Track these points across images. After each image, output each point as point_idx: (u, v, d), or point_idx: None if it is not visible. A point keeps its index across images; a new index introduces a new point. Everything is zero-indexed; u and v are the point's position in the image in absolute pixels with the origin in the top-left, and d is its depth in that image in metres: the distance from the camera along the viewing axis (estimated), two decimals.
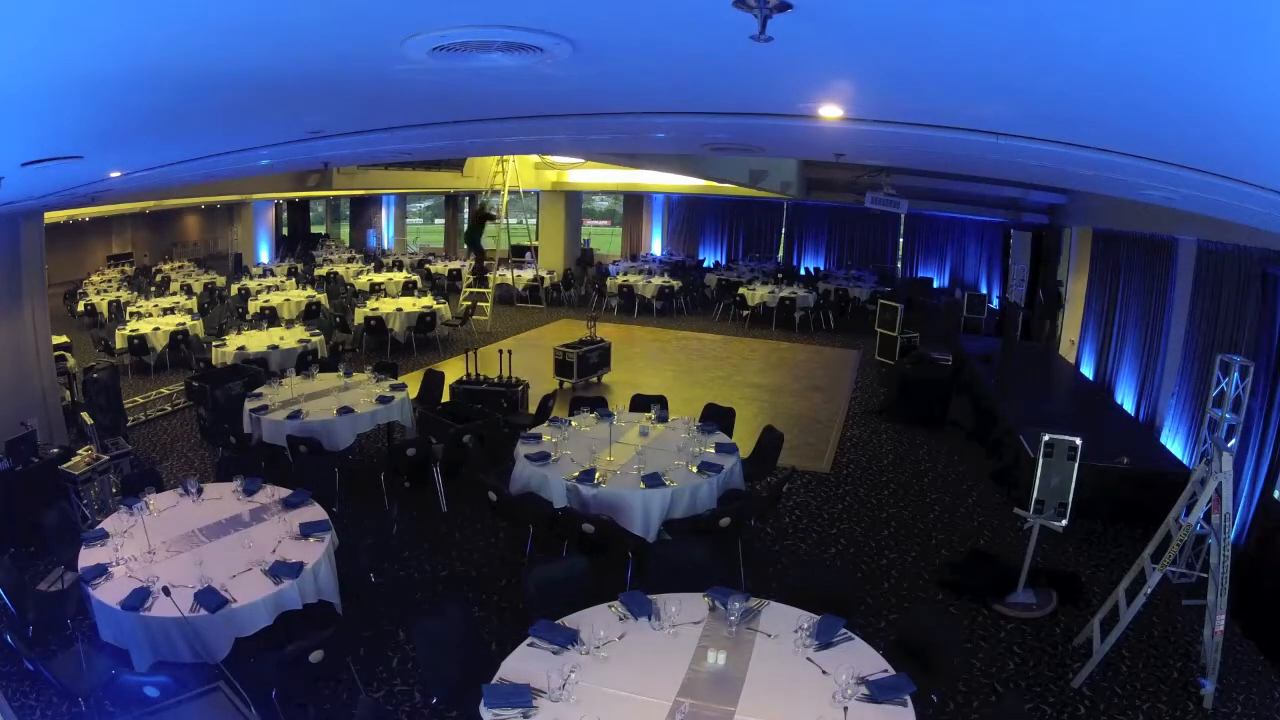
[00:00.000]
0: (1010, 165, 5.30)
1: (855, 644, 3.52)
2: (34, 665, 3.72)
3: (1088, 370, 9.94)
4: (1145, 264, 8.40)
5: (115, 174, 5.36)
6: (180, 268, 19.02)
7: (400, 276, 17.39)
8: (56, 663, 3.91)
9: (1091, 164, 3.63)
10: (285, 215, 24.43)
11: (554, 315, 15.81)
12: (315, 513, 4.80)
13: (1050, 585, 5.43)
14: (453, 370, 9.60)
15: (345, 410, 6.83)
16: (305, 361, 9.41)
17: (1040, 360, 10.90)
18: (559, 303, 17.16)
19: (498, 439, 6.97)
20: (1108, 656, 4.75)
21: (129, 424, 8.42)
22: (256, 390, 7.46)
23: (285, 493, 5.01)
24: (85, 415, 7.67)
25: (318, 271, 18.38)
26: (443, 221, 26.99)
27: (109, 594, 3.85)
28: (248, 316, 13.51)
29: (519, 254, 18.53)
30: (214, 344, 10.31)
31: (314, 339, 10.52)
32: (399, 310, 12.62)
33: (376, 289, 16.38)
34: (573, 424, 6.45)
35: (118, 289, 15.73)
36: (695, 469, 5.52)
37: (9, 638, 3.74)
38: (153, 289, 16.25)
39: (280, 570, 4.07)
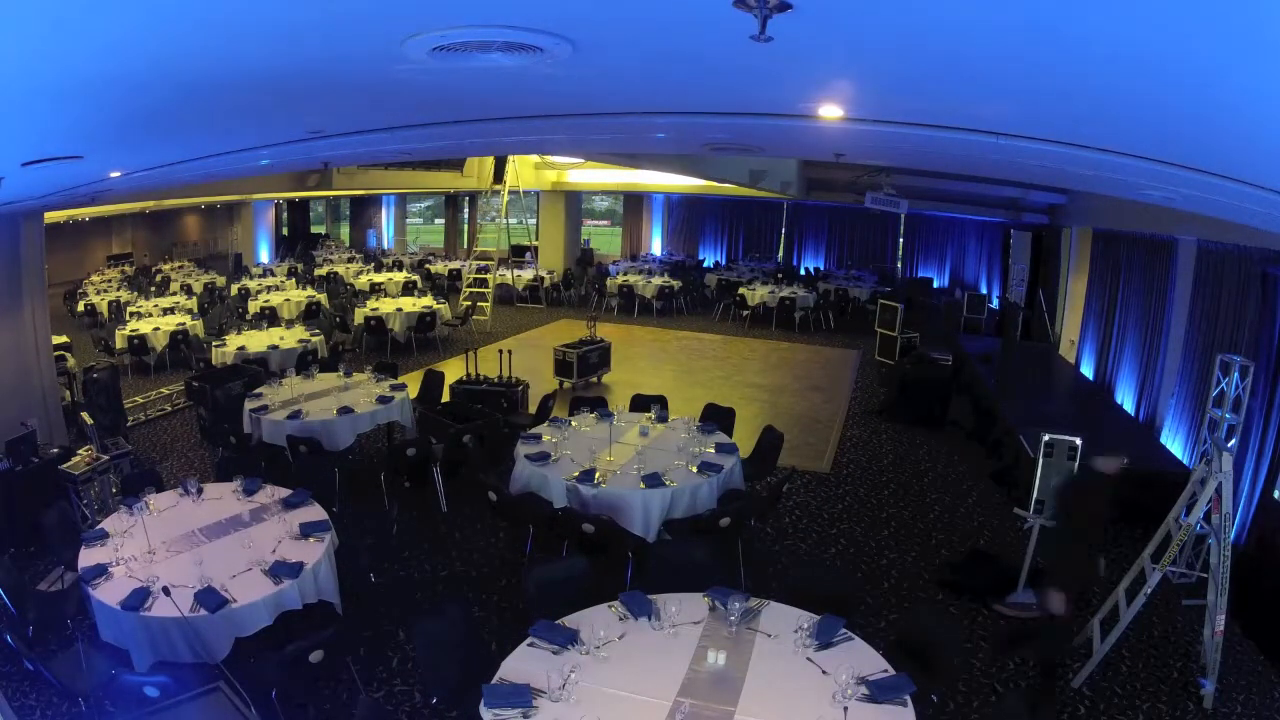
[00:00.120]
0: (1010, 165, 5.30)
1: (855, 644, 3.52)
2: (34, 665, 3.72)
3: (1088, 370, 9.94)
4: (1145, 264, 8.40)
5: (115, 174, 5.36)
6: (180, 268, 19.02)
7: (400, 276, 17.39)
8: (56, 663, 3.91)
9: (1091, 164, 3.63)
10: (285, 215, 24.43)
11: (554, 315, 15.81)
12: (315, 513, 4.80)
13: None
14: (453, 370, 9.60)
15: (345, 410, 6.83)
16: (305, 361, 9.41)
17: (1040, 360, 10.90)
18: (559, 303, 17.17)
19: (498, 439, 6.97)
20: (1108, 656, 4.76)
21: (129, 424, 8.42)
22: (256, 390, 7.46)
23: (285, 493, 5.01)
24: (85, 415, 7.67)
25: (318, 271, 18.38)
26: (443, 221, 26.99)
27: (109, 594, 3.85)
28: (248, 316, 13.50)
29: (519, 254, 18.54)
30: (214, 344, 10.31)
31: (314, 339, 10.52)
32: (399, 310, 12.62)
33: (376, 289, 16.39)
34: (573, 424, 6.45)
35: (118, 289, 15.73)
36: (695, 469, 5.52)
37: (9, 638, 3.74)
38: (153, 289, 16.25)
39: (280, 570, 4.07)
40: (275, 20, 1.94)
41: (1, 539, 5.67)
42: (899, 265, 19.84)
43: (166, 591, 3.71)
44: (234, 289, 15.91)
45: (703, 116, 3.82)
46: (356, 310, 12.97)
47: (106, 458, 6.40)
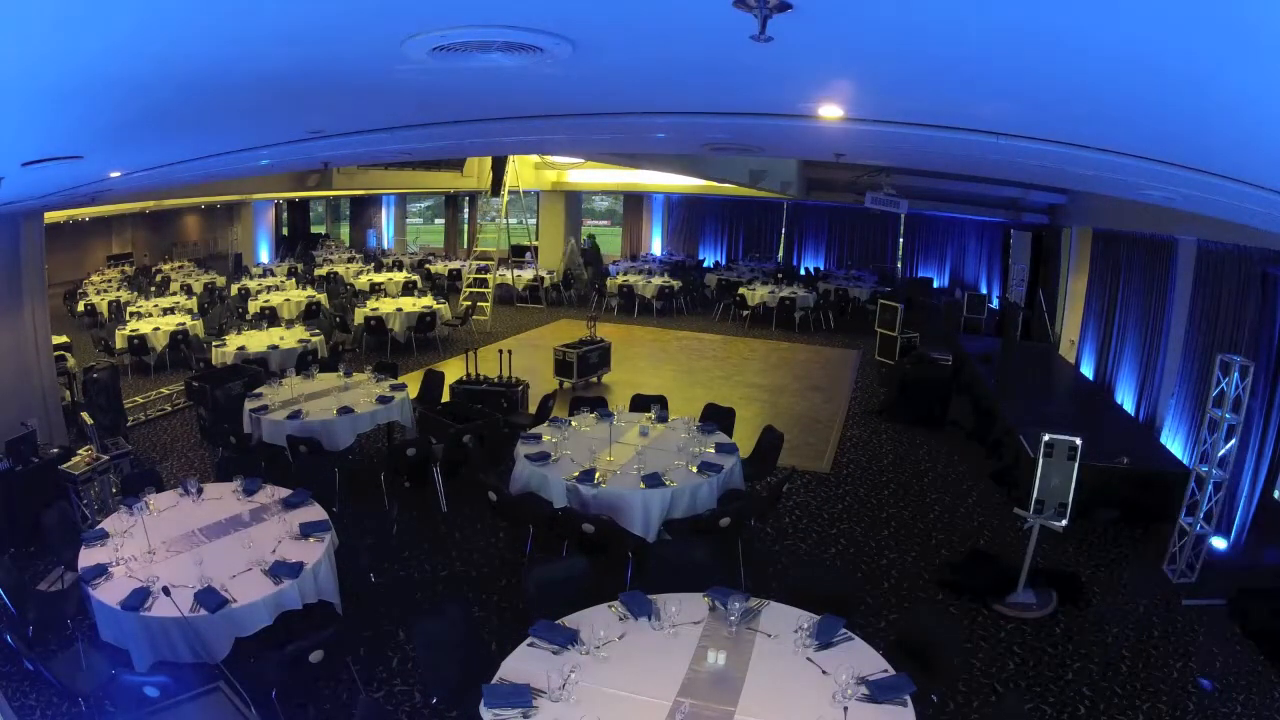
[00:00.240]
0: (1010, 165, 5.29)
1: (855, 644, 3.52)
2: (34, 665, 3.72)
3: (1088, 370, 9.94)
4: (1145, 264, 8.40)
5: (115, 174, 5.36)
6: (180, 268, 19.02)
7: (400, 276, 17.40)
8: (56, 663, 3.91)
9: (1091, 164, 3.63)
10: (285, 215, 24.42)
11: (554, 315, 15.81)
12: (315, 513, 4.80)
13: (1050, 585, 5.43)
14: (453, 370, 9.60)
15: (345, 410, 6.83)
16: (305, 361, 9.41)
17: (1040, 360, 10.90)
18: (559, 303, 17.17)
19: (498, 439, 6.97)
20: (1108, 656, 4.76)
21: (129, 424, 8.42)
22: (256, 390, 7.46)
23: (285, 493, 5.02)
24: (85, 415, 7.67)
25: (318, 271, 18.38)
26: (443, 221, 26.99)
27: (109, 594, 3.85)
28: (248, 316, 13.50)
29: (519, 254, 18.55)
30: (214, 344, 10.31)
31: (314, 339, 10.52)
32: (399, 310, 12.62)
33: (376, 289, 16.39)
34: (573, 424, 6.45)
35: (118, 289, 15.73)
36: (695, 469, 5.52)
37: (9, 638, 3.74)
38: (153, 289, 16.25)
39: (280, 570, 4.07)
40: (275, 21, 1.94)
41: (1, 539, 5.67)
42: (899, 265, 19.83)
43: (166, 591, 3.71)
44: (234, 289, 15.91)
45: (703, 116, 3.82)
46: (356, 310, 12.97)
47: (106, 458, 6.40)
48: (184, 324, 11.84)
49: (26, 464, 6.05)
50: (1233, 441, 5.41)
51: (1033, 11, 1.61)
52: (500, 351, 9.33)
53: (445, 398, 8.51)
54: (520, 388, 8.86)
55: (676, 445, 5.92)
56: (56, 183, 5.16)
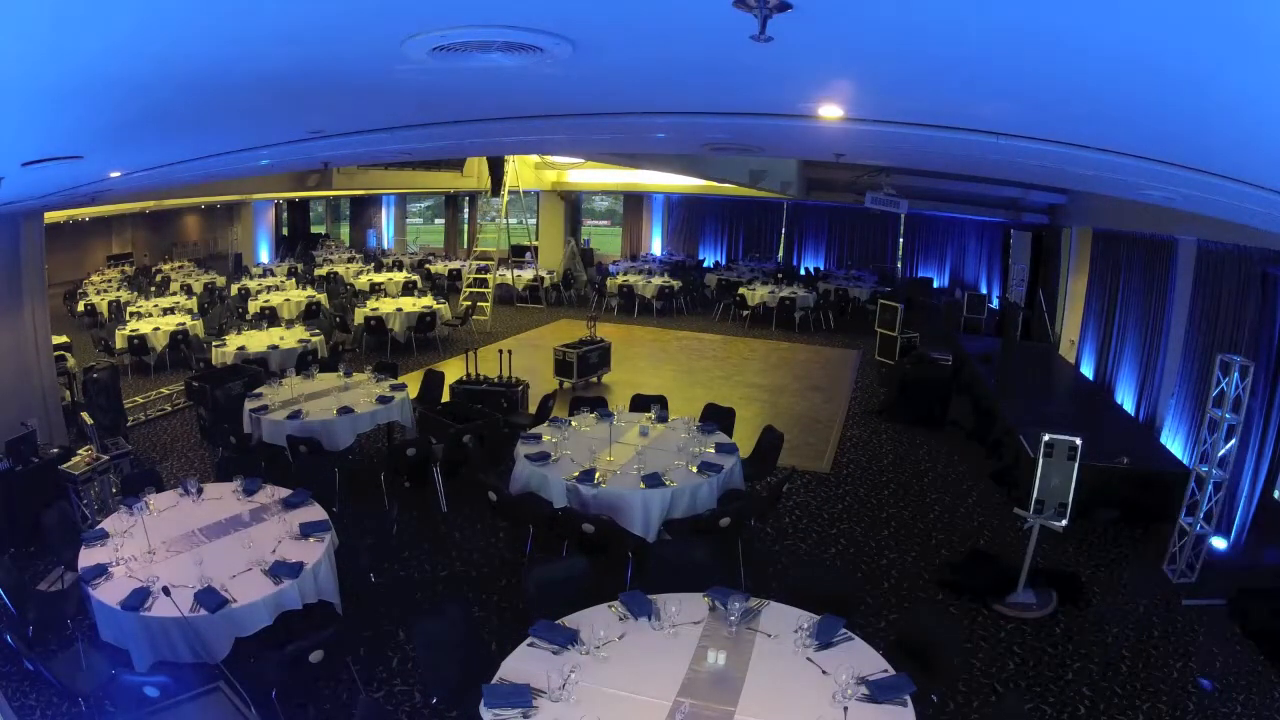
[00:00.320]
0: (1010, 165, 5.29)
1: (855, 644, 3.52)
2: (34, 665, 3.72)
3: (1088, 370, 9.94)
4: (1145, 264, 8.40)
5: (115, 174, 5.36)
6: (180, 268, 19.01)
7: (400, 276, 17.39)
8: (56, 663, 3.91)
9: (1091, 164, 3.63)
10: (285, 215, 24.41)
11: (554, 315, 15.81)
12: (315, 513, 4.80)
13: (1050, 585, 5.43)
14: (453, 370, 9.60)
15: (345, 410, 6.83)
16: (305, 361, 9.41)
17: (1040, 360, 10.90)
18: (559, 303, 17.17)
19: (498, 439, 6.97)
20: (1108, 656, 4.77)
21: (129, 424, 8.42)
22: (256, 390, 7.46)
23: (285, 493, 5.02)
24: (85, 415, 7.67)
25: (318, 271, 18.37)
26: (443, 221, 26.98)
27: (109, 594, 3.85)
28: (248, 316, 13.50)
29: (519, 254, 18.55)
30: (214, 344, 10.31)
31: (314, 339, 10.52)
32: (399, 310, 12.62)
33: (376, 289, 16.39)
34: (573, 424, 6.45)
35: (118, 289, 15.72)
36: (695, 469, 5.52)
37: (9, 638, 3.74)
38: (153, 289, 16.25)
39: (280, 570, 4.07)
40: (275, 21, 1.94)
41: (1, 539, 5.67)
42: (899, 265, 19.83)
43: (166, 591, 3.71)
44: (234, 289, 15.91)
45: (703, 116, 3.82)
46: (356, 310, 12.97)
47: (106, 458, 6.40)
48: (184, 324, 11.84)
49: (26, 464, 6.05)
50: (1233, 441, 5.41)
51: (1033, 11, 1.61)
52: (500, 351, 9.33)
53: (445, 398, 8.51)
54: (520, 388, 8.86)
55: (676, 445, 5.92)
56: (56, 183, 5.16)
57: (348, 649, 4.19)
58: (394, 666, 4.56)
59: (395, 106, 3.69)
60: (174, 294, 15.46)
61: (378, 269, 18.69)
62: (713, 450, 5.89)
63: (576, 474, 5.40)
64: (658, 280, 16.33)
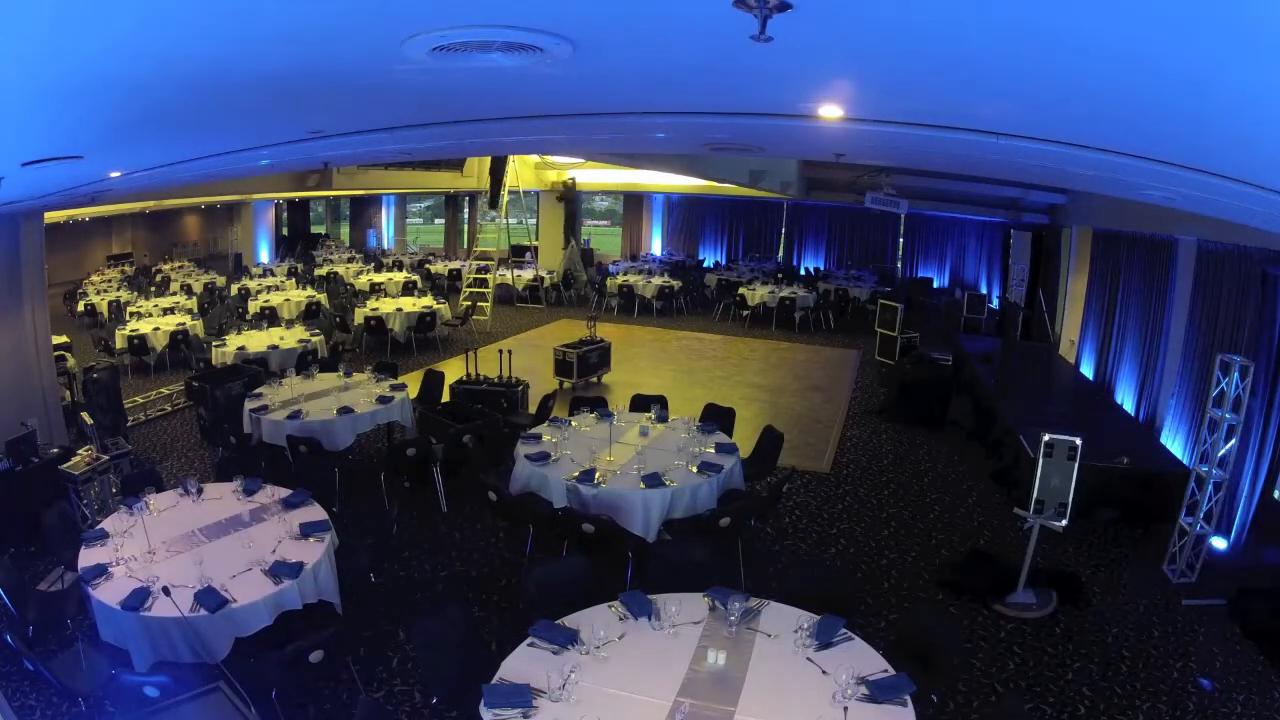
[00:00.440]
0: (1010, 165, 5.30)
1: (855, 644, 3.52)
2: (34, 665, 3.72)
3: (1088, 370, 9.94)
4: (1145, 264, 8.40)
5: (115, 174, 5.36)
6: (180, 268, 19.01)
7: (400, 276, 17.39)
8: (56, 663, 3.91)
9: (1091, 164, 3.63)
10: (285, 215, 24.41)
11: (554, 315, 15.81)
12: (315, 513, 4.80)
13: (1050, 585, 5.43)
14: (453, 370, 9.60)
15: (345, 410, 6.83)
16: (305, 361, 9.40)
17: (1040, 360, 10.90)
18: (559, 303, 17.17)
19: (498, 439, 6.97)
20: (1108, 656, 4.76)
21: (129, 424, 8.42)
22: (256, 390, 7.46)
23: (285, 493, 5.01)
24: (85, 415, 7.67)
25: (318, 271, 18.37)
26: (443, 221, 26.99)
27: (109, 594, 3.85)
28: (248, 316, 13.50)
29: (519, 254, 18.55)
30: (214, 344, 10.31)
31: (314, 339, 10.52)
32: (399, 310, 12.62)
33: (376, 289, 16.38)
34: (573, 424, 6.45)
35: (118, 289, 15.72)
36: (695, 469, 5.52)
37: (9, 638, 3.74)
38: (153, 289, 16.25)
39: (280, 570, 4.07)
40: (275, 21, 1.94)
41: (1, 539, 5.67)
42: (899, 265, 19.83)
43: (166, 591, 3.71)
44: (234, 289, 15.91)
45: (703, 116, 3.82)
46: (356, 310, 12.97)
47: (106, 458, 6.40)
48: (184, 324, 11.84)
49: (26, 464, 6.05)
50: (1233, 441, 5.41)
51: (1033, 11, 1.61)
52: (500, 351, 9.33)
53: (445, 398, 8.51)
54: (520, 388, 8.86)
55: (676, 445, 5.92)
56: (56, 183, 5.16)
57: (348, 649, 4.19)
58: (394, 666, 4.56)
59: (395, 106, 3.69)
60: (174, 294, 15.45)
61: (378, 269, 18.69)
62: (713, 450, 5.89)
63: (576, 474, 5.40)
64: (658, 280, 16.33)
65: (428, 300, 13.84)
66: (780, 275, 17.95)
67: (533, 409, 8.09)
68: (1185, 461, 6.69)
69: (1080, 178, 5.01)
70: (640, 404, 7.32)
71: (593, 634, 3.48)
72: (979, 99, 2.71)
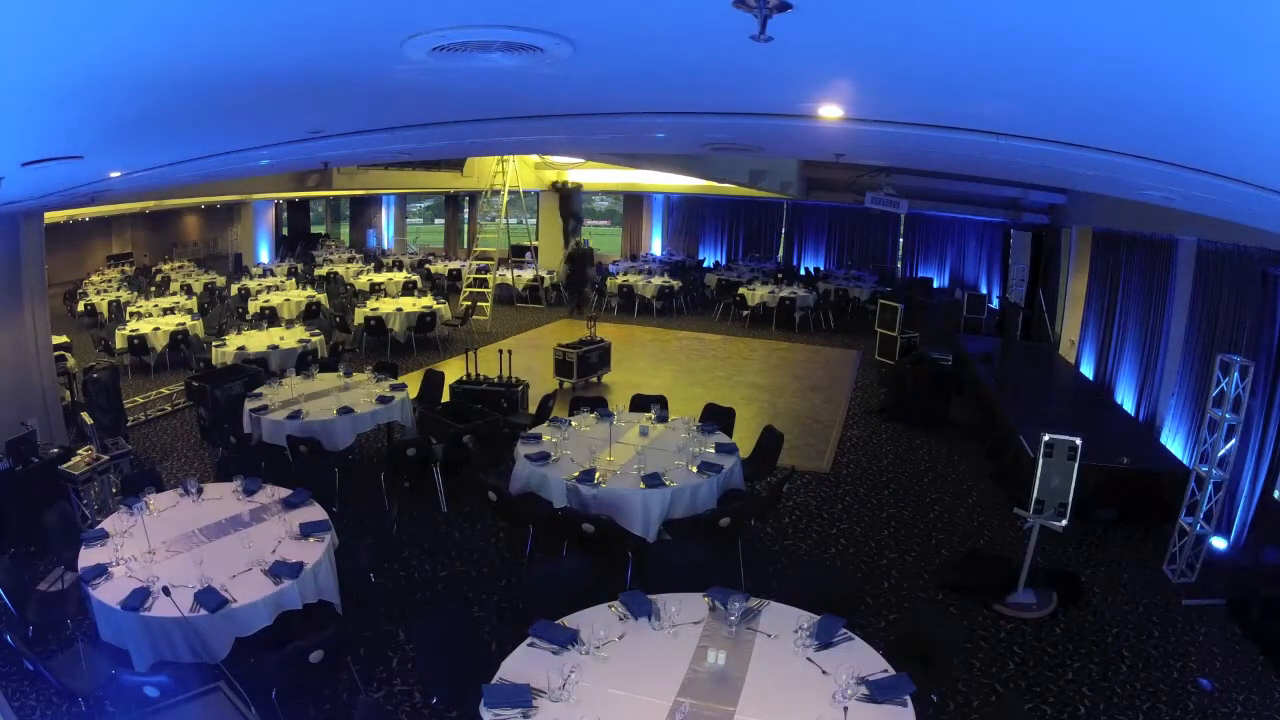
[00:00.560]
0: (1010, 165, 5.30)
1: (855, 644, 3.52)
2: (34, 665, 3.72)
3: (1088, 370, 9.95)
4: (1145, 264, 8.40)
5: (115, 174, 5.36)
6: (180, 268, 19.01)
7: (400, 276, 17.39)
8: (56, 663, 3.91)
9: (1091, 164, 3.63)
10: (285, 215, 24.41)
11: (554, 315, 15.81)
12: (315, 513, 4.80)
13: (1050, 585, 5.43)
14: (453, 370, 9.60)
15: (345, 410, 6.83)
16: (305, 361, 9.41)
17: (1040, 360, 10.90)
18: (559, 303, 17.17)
19: (498, 439, 6.97)
20: (1108, 656, 4.76)
21: (129, 424, 8.42)
22: (256, 390, 7.46)
23: (285, 493, 5.01)
24: (85, 415, 7.67)
25: (318, 271, 18.37)
26: (443, 221, 26.98)
27: (109, 594, 3.85)
28: (248, 316, 13.50)
29: (519, 254, 18.54)
30: (214, 344, 10.31)
31: (314, 339, 10.52)
32: (399, 310, 12.62)
33: (376, 289, 16.38)
34: (573, 424, 6.45)
35: (118, 289, 15.72)
36: (695, 469, 5.52)
37: (9, 638, 3.74)
38: (153, 289, 16.25)
39: (280, 570, 4.07)
40: (275, 21, 1.94)
41: (1, 539, 5.67)
42: (899, 265, 19.83)
43: (166, 591, 3.71)
44: (234, 289, 15.91)
45: (703, 116, 3.82)
46: (356, 310, 12.97)
47: (106, 458, 6.40)
48: (184, 324, 11.84)
49: (26, 464, 6.05)
50: (1233, 441, 5.42)
51: (1033, 11, 1.61)
52: (500, 351, 9.33)
53: (445, 398, 8.51)
54: (520, 388, 8.86)
55: (676, 445, 5.92)
56: (56, 183, 5.16)
57: (348, 649, 4.19)
58: (394, 666, 4.56)
59: (395, 106, 3.69)
60: (174, 294, 15.45)
61: (378, 269, 18.68)
62: (713, 450, 5.89)
63: (576, 474, 5.40)
64: (658, 280, 16.33)
65: (428, 300, 13.85)
66: (780, 275, 17.94)
67: (533, 409, 8.09)
68: (1185, 461, 6.69)
69: (1080, 178, 5.01)
70: (640, 404, 7.32)
71: (593, 634, 3.48)
72: (979, 99, 2.71)
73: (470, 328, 14.09)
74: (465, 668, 3.67)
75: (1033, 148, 3.38)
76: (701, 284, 17.72)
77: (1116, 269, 9.24)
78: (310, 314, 13.75)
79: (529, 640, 3.53)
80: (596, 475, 5.38)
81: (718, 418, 6.91)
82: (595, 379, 10.73)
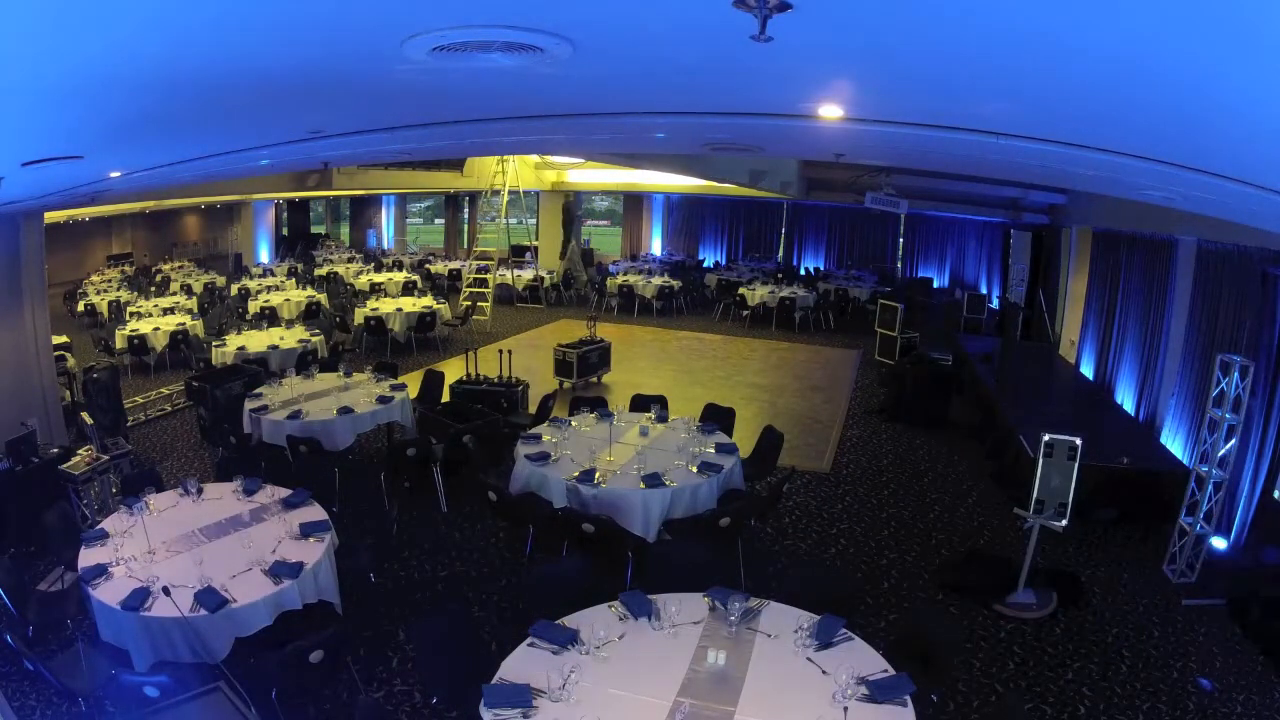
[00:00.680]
0: (1010, 165, 5.30)
1: (855, 644, 3.52)
2: (34, 665, 3.72)
3: (1088, 370, 9.94)
4: (1145, 264, 8.40)
5: (115, 174, 5.36)
6: (180, 268, 19.01)
7: (400, 276, 17.40)
8: (56, 663, 3.91)
9: (1091, 164, 3.63)
10: (285, 215, 24.41)
11: (554, 315, 15.81)
12: (315, 513, 4.80)
13: (1050, 585, 5.43)
14: (453, 370, 9.60)
15: (345, 410, 6.83)
16: (305, 361, 9.41)
17: (1040, 360, 10.90)
18: (559, 303, 17.16)
19: (498, 439, 6.97)
20: (1108, 656, 4.76)
21: (129, 424, 8.42)
22: (256, 390, 7.46)
23: (285, 493, 5.01)
24: (85, 415, 7.67)
25: (318, 271, 18.37)
26: (443, 221, 26.98)
27: (109, 594, 3.85)
28: (248, 316, 13.50)
29: (519, 254, 18.55)
30: (214, 344, 10.31)
31: (314, 339, 10.52)
32: (399, 310, 12.62)
33: (376, 289, 16.39)
34: (573, 424, 6.45)
35: (118, 289, 15.72)
36: (695, 469, 5.52)
37: (9, 638, 3.74)
38: (153, 289, 16.25)
39: (280, 570, 4.07)
40: (275, 21, 1.94)
41: (1, 539, 5.67)
42: (899, 265, 19.84)
43: (166, 591, 3.71)
44: (234, 289, 15.91)
45: (703, 116, 3.82)
46: (356, 310, 12.97)
47: (106, 458, 6.40)
48: (184, 324, 11.84)
49: (26, 464, 6.05)
50: (1233, 441, 5.42)
51: (1033, 12, 1.61)
52: (500, 351, 9.32)
53: (445, 398, 8.51)
54: (520, 388, 8.86)
55: (676, 445, 5.92)
56: (56, 183, 5.16)
57: (348, 649, 4.19)
58: (394, 666, 4.56)
59: (395, 106, 3.69)
60: (174, 294, 15.46)
61: (378, 269, 18.69)
62: (713, 450, 5.89)
63: (576, 474, 5.40)
64: (658, 280, 16.33)
65: (428, 300, 13.85)
66: (780, 275, 17.95)
67: (533, 409, 8.09)
68: (1185, 461, 6.69)
69: (1080, 178, 5.01)
70: (640, 404, 7.32)
71: (593, 634, 3.48)
72: (979, 99, 2.71)
73: (470, 328, 14.09)
74: (465, 668, 3.67)
75: (1033, 148, 3.38)
76: (701, 284, 17.72)
77: (1116, 269, 9.24)
78: (310, 314, 13.75)
79: (529, 640, 3.52)
80: (596, 475, 5.38)
81: (718, 418, 6.91)
82: (595, 379, 10.73)
